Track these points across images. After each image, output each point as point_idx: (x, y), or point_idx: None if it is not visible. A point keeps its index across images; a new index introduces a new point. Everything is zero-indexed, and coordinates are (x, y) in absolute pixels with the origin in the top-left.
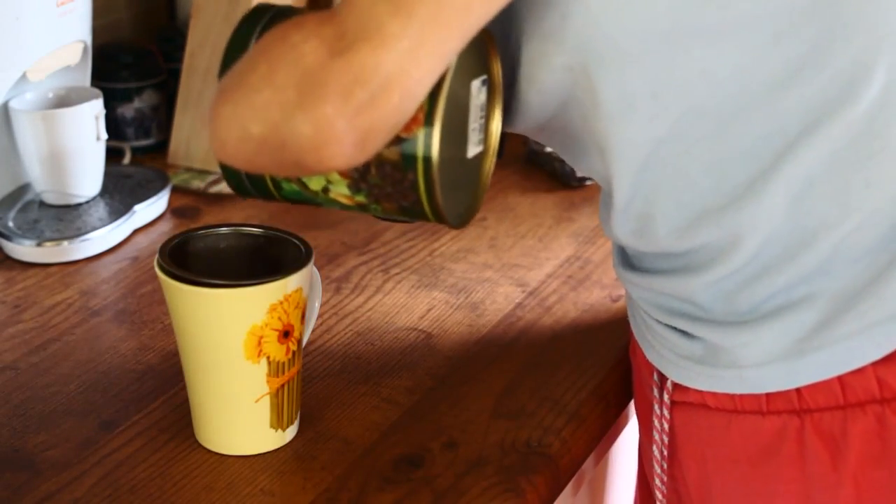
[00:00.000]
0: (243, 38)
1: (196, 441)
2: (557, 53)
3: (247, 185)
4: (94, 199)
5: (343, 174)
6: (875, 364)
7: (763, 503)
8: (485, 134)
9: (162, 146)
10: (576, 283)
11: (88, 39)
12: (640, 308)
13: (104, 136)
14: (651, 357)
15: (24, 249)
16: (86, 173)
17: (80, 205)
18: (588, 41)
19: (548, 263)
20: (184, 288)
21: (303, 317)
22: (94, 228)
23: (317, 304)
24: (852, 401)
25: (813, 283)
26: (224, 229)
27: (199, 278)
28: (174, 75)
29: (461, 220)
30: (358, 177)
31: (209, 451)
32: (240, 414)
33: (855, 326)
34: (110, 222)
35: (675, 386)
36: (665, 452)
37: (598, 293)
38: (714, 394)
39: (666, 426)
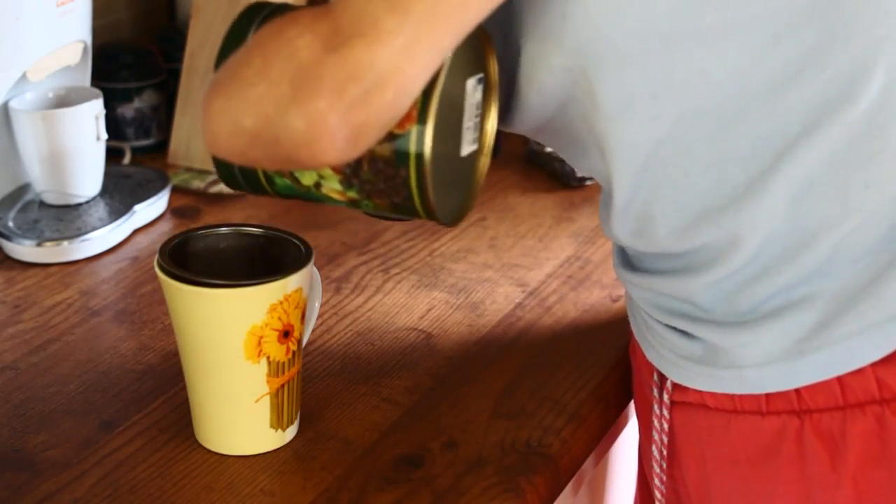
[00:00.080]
0: (240, 32)
1: (196, 441)
2: (556, 54)
3: (239, 178)
4: (94, 199)
5: (335, 169)
6: (874, 365)
7: (762, 503)
8: (480, 133)
9: (162, 146)
10: (576, 283)
11: (88, 39)
12: (640, 308)
13: (104, 136)
14: (651, 357)
15: (24, 249)
16: (86, 173)
17: (80, 205)
18: (587, 42)
19: (548, 263)
20: (184, 288)
21: (303, 317)
22: (94, 228)
23: (317, 304)
24: (852, 401)
25: (812, 283)
26: (224, 229)
27: (199, 278)
28: (174, 75)
29: (453, 219)
30: (350, 172)
31: (209, 451)
32: (240, 414)
33: (854, 327)
34: (110, 222)
35: (675, 386)
36: (664, 452)
37: (598, 293)
38: (714, 394)
39: (665, 426)
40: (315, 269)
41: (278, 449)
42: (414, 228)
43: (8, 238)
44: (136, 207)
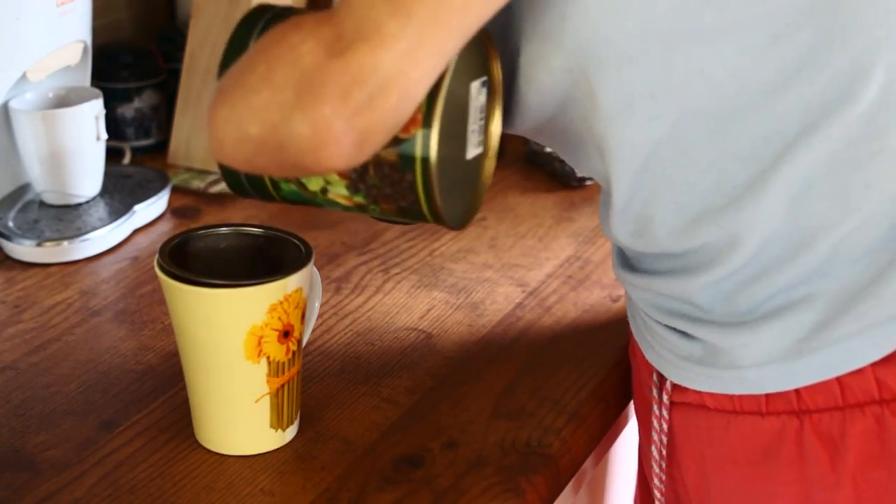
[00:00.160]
0: (242, 38)
1: (196, 441)
2: (556, 55)
3: (245, 185)
4: (94, 199)
5: (341, 175)
6: (874, 365)
7: (762, 503)
8: (484, 135)
9: (162, 146)
10: (576, 283)
11: (88, 39)
12: (639, 309)
13: (104, 136)
14: (650, 357)
15: (24, 249)
16: (86, 173)
17: (80, 205)
18: (587, 43)
19: (548, 263)
20: (184, 288)
21: (303, 317)
22: (94, 228)
23: (317, 304)
24: (851, 402)
25: (812, 283)
26: (224, 229)
27: (199, 278)
28: (174, 75)
29: (460, 222)
30: (356, 177)
31: (209, 451)
32: (240, 414)
33: (854, 327)
34: (110, 222)
35: (675, 386)
36: (664, 453)
37: (598, 293)
38: (713, 394)
39: (665, 426)
40: (315, 269)
41: (278, 449)
42: (414, 228)
43: (8, 238)
44: (136, 207)
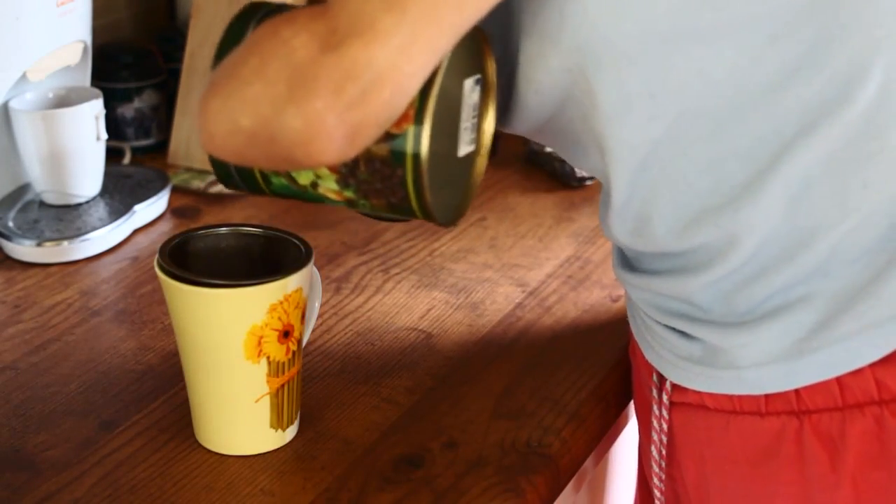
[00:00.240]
0: (237, 33)
1: (196, 441)
2: (555, 54)
3: (236, 178)
4: (94, 199)
5: (332, 169)
6: (873, 365)
7: None
8: (477, 133)
9: (162, 146)
10: (576, 283)
11: (88, 39)
12: (639, 309)
13: (104, 136)
14: (650, 358)
15: (24, 249)
16: (86, 173)
17: (80, 205)
18: (585, 42)
19: (548, 263)
20: (184, 288)
21: (303, 317)
22: (94, 228)
23: (317, 304)
24: (851, 402)
25: (811, 283)
26: (224, 229)
27: (199, 278)
28: (174, 75)
29: (450, 219)
30: (347, 172)
31: (209, 451)
32: (240, 414)
33: (853, 327)
34: (110, 222)
35: (674, 387)
36: (664, 453)
37: (598, 293)
38: (713, 395)
39: (665, 427)
40: (315, 269)
41: (278, 449)
42: (414, 228)
43: (8, 238)
44: (136, 207)
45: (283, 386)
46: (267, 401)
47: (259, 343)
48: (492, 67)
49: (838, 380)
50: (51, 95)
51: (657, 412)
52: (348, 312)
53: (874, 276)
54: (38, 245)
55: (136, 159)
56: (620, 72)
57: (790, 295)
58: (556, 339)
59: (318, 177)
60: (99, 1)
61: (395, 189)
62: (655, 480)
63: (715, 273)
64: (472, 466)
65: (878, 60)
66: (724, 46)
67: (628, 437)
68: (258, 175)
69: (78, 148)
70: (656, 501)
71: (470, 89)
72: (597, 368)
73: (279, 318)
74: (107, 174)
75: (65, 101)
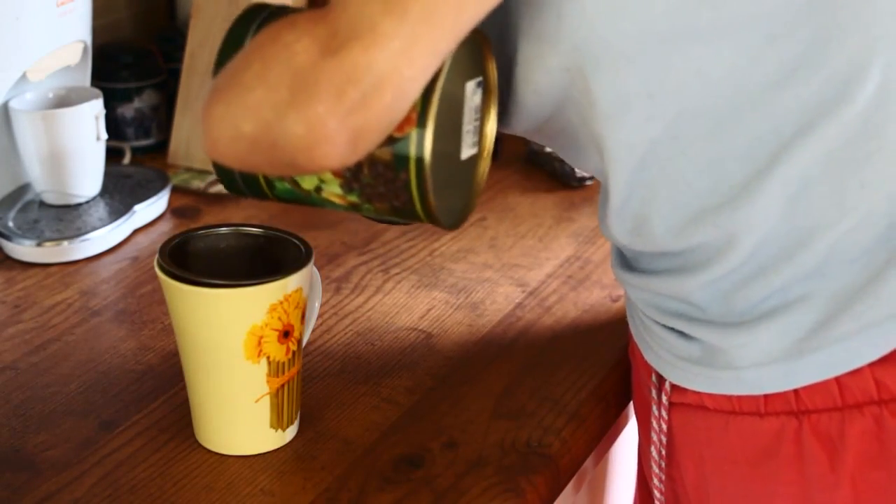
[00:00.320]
0: (238, 37)
1: (196, 441)
2: (553, 55)
3: (240, 183)
4: (94, 199)
5: (336, 174)
6: (872, 365)
7: None
8: (479, 136)
9: (162, 146)
10: (576, 283)
11: (88, 39)
12: (638, 309)
13: (104, 136)
14: (649, 358)
15: (24, 249)
16: (86, 173)
17: (80, 205)
18: (583, 42)
19: (548, 263)
20: (184, 288)
21: (303, 317)
22: (94, 228)
23: (317, 304)
24: (850, 402)
25: (809, 283)
26: (224, 229)
27: (199, 278)
28: (174, 75)
29: (454, 222)
30: (350, 176)
31: (209, 451)
32: (240, 414)
33: (852, 327)
34: (110, 222)
35: (674, 387)
36: (663, 453)
37: (598, 293)
38: (712, 395)
39: (664, 427)
40: (315, 269)
41: (278, 449)
42: (414, 228)
43: (8, 238)
44: (136, 207)
45: (283, 386)
46: (267, 401)
47: (259, 343)
48: (493, 69)
49: (837, 380)
50: (51, 95)
51: (656, 412)
52: (348, 312)
53: (873, 276)
54: (38, 245)
55: (136, 159)
56: (618, 72)
57: (789, 295)
58: (556, 339)
59: (321, 181)
60: (99, 1)
61: (398, 193)
62: (655, 481)
63: (713, 273)
64: (472, 466)
65: (876, 60)
66: (722, 46)
67: (628, 437)
68: (262, 181)
69: (78, 148)
70: (656, 501)
71: (472, 92)
72: (597, 368)
73: (279, 318)
74: (107, 174)
75: (65, 101)
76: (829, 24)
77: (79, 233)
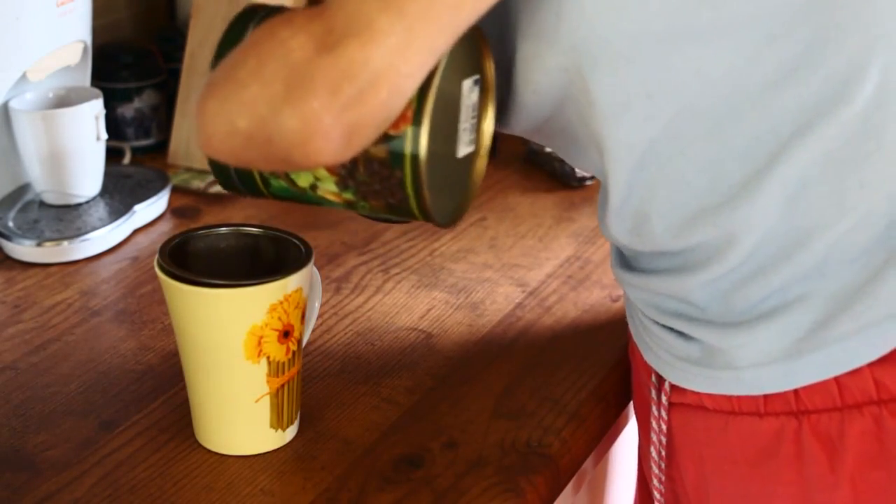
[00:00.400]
0: (235, 35)
1: (196, 441)
2: (552, 54)
3: (235, 180)
4: (94, 199)
5: (331, 171)
6: (872, 365)
7: None
8: (476, 134)
9: (162, 146)
10: (576, 283)
11: (88, 39)
12: (637, 309)
13: (104, 136)
14: (649, 359)
15: (24, 249)
16: (86, 173)
17: (80, 205)
18: (582, 42)
19: (548, 263)
20: (184, 288)
21: (303, 317)
22: (94, 228)
23: (317, 304)
24: (849, 402)
25: (808, 283)
26: (224, 229)
27: (199, 278)
28: (174, 75)
29: (449, 220)
30: (346, 174)
31: (209, 451)
32: (240, 414)
33: (851, 327)
34: (110, 222)
35: (673, 387)
36: (663, 453)
37: (598, 293)
38: (712, 395)
39: (664, 427)
40: (315, 269)
41: (278, 449)
42: (414, 228)
43: (8, 238)
44: (136, 207)
45: (283, 386)
46: (267, 401)
47: (259, 343)
48: (491, 68)
49: (837, 380)
50: (51, 95)
51: (656, 413)
52: (348, 312)
53: (872, 276)
54: (38, 245)
55: (136, 159)
56: (617, 71)
57: (788, 295)
58: (556, 339)
59: (317, 179)
60: (99, 1)
61: (393, 190)
62: (655, 481)
63: (713, 272)
64: (472, 466)
65: (875, 60)
66: (721, 46)
67: (628, 437)
68: (257, 177)
69: (78, 148)
70: (656, 502)
71: (469, 90)
72: (597, 368)
73: (279, 318)
74: (107, 174)
75: (65, 101)
76: (829, 24)
77: (79, 233)
